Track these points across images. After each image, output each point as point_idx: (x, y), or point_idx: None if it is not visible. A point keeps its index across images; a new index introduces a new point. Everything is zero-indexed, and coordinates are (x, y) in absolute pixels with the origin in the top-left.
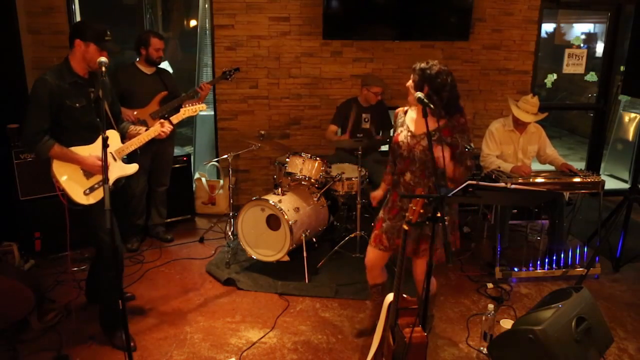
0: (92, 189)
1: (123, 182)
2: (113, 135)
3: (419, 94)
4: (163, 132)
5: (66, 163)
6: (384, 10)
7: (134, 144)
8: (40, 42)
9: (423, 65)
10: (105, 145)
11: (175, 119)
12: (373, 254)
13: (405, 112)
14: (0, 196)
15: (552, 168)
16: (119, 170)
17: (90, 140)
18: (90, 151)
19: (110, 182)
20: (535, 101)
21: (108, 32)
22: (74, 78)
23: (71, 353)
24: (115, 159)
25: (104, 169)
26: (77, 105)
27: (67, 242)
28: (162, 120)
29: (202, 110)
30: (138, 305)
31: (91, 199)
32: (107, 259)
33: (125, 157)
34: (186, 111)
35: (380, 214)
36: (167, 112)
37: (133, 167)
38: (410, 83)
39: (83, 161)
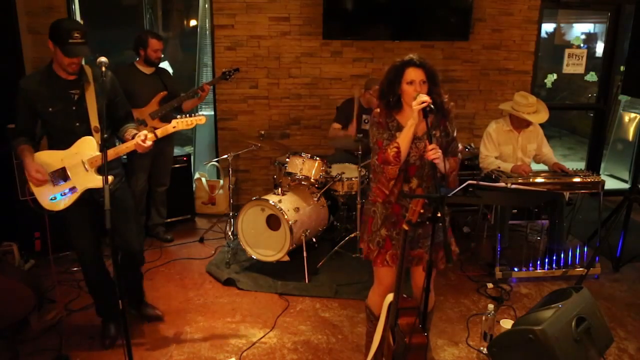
0: (56, 197)
1: (101, 198)
2: (88, 142)
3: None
4: (142, 147)
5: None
6: (384, 10)
7: (110, 155)
8: (40, 42)
9: None
10: (104, 147)
11: (163, 132)
12: (392, 277)
13: None
14: (0, 196)
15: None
16: (89, 181)
17: (68, 145)
18: (63, 156)
19: (79, 192)
20: (532, 100)
21: (76, 34)
22: (52, 80)
23: (71, 353)
24: (87, 169)
25: (105, 168)
26: (50, 109)
27: (67, 242)
28: (146, 133)
29: (199, 123)
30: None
31: (56, 207)
32: (83, 265)
33: (124, 157)
34: (178, 124)
35: (383, 232)
36: (167, 111)
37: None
38: None
39: (26, 167)
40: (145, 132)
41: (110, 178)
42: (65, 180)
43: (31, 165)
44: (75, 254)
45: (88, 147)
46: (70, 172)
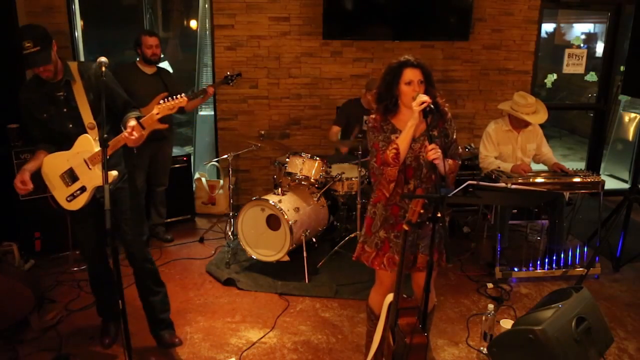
0: (73, 196)
1: (101, 198)
2: (85, 140)
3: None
4: (130, 139)
5: (48, 169)
6: (384, 10)
7: (107, 152)
8: None
9: None
10: (104, 146)
11: (147, 120)
12: (392, 278)
13: None
14: (0, 196)
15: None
16: (95, 178)
17: (69, 147)
18: (67, 157)
19: (89, 190)
20: (531, 100)
21: (27, 44)
22: (40, 86)
23: (71, 353)
24: (90, 167)
25: (104, 166)
26: (45, 115)
27: (67, 242)
28: (133, 125)
29: (180, 105)
30: (138, 305)
31: (73, 205)
32: (87, 263)
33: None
34: (161, 110)
35: (381, 234)
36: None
37: (111, 175)
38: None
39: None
40: (132, 123)
41: (114, 173)
42: (75, 181)
43: (19, 174)
44: (80, 252)
45: (86, 145)
46: (77, 171)
